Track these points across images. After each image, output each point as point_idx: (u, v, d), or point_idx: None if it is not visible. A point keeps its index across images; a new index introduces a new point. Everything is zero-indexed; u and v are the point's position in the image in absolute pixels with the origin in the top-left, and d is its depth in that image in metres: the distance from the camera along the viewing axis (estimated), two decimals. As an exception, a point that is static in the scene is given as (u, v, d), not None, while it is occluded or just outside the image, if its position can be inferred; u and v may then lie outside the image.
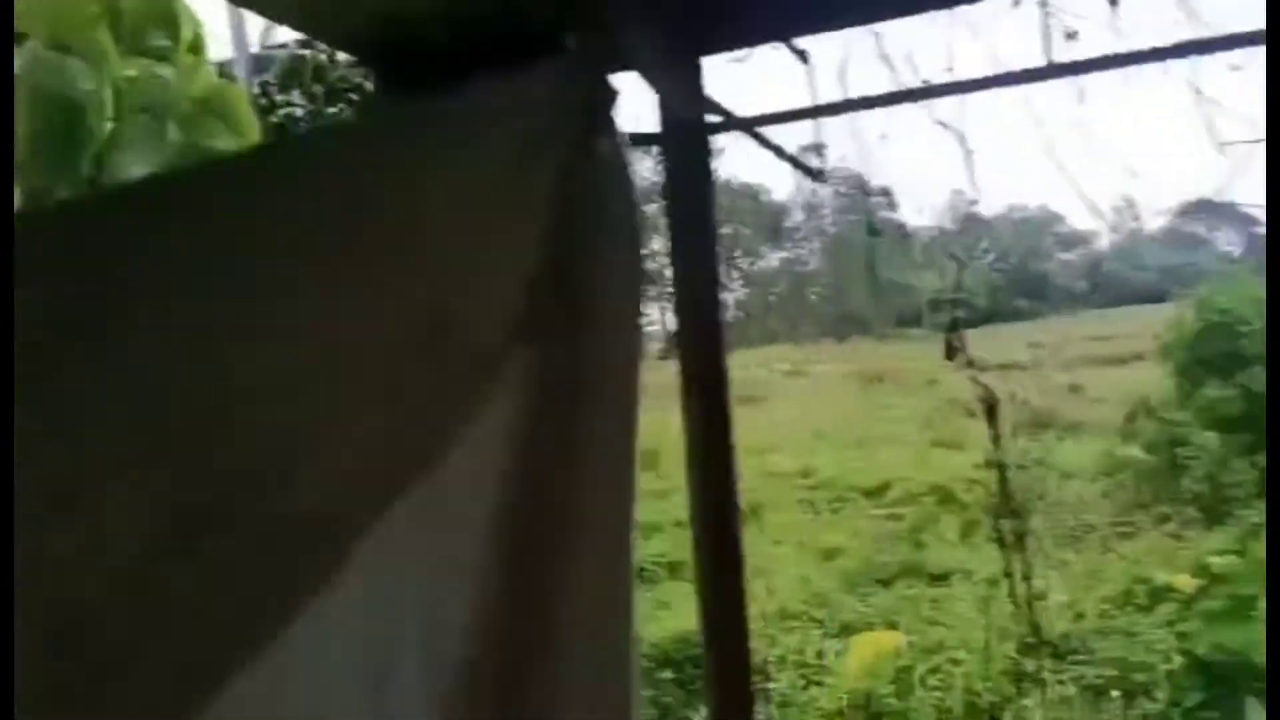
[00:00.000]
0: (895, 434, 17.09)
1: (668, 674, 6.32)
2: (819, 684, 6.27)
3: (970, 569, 8.08)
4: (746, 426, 13.19)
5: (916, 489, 10.96)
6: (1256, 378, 8.73)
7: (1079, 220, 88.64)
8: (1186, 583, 6.53)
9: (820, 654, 6.68)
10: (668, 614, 7.42)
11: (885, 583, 7.96)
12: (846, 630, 7.08)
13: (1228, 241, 78.02)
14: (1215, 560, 6.20)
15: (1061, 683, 5.84)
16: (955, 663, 6.17)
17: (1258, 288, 9.63)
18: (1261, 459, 8.47)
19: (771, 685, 6.21)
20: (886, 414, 20.16)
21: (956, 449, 14.61)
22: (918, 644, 6.56)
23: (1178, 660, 5.65)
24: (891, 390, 27.73)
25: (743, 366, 40.38)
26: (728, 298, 74.07)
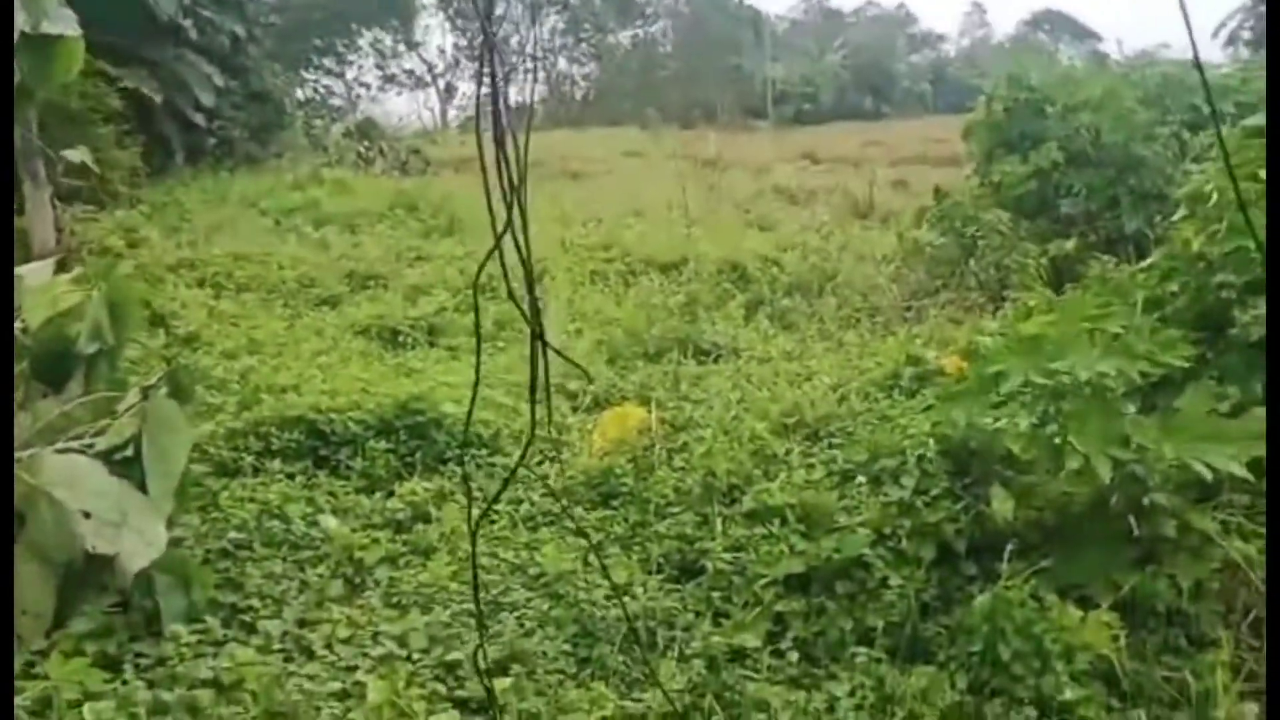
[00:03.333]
0: (713, 215, 16.54)
1: (381, 444, 5.58)
2: (554, 459, 5.66)
3: (745, 346, 7.57)
4: (565, 201, 12.31)
5: (714, 266, 10.38)
6: (1051, 156, 8.27)
7: (931, 22, 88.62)
8: (955, 365, 6.14)
9: (564, 428, 6.06)
10: (406, 380, 6.66)
11: (653, 357, 7.35)
12: (599, 405, 6.48)
13: (1067, 55, 79.76)
14: (985, 342, 5.78)
15: (810, 466, 5.38)
16: (701, 442, 5.64)
17: (1072, 72, 9.09)
18: (1050, 246, 8.14)
19: (498, 459, 5.55)
20: (710, 197, 19.61)
21: (769, 231, 14.17)
22: (670, 420, 6.01)
23: (932, 445, 5.25)
24: (723, 175, 27.23)
25: (583, 144, 39.33)
26: (575, 73, 71.34)
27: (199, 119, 21.86)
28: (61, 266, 11.65)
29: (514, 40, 68.57)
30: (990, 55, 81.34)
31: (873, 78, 74.38)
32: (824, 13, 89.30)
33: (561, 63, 70.06)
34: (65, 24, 3.27)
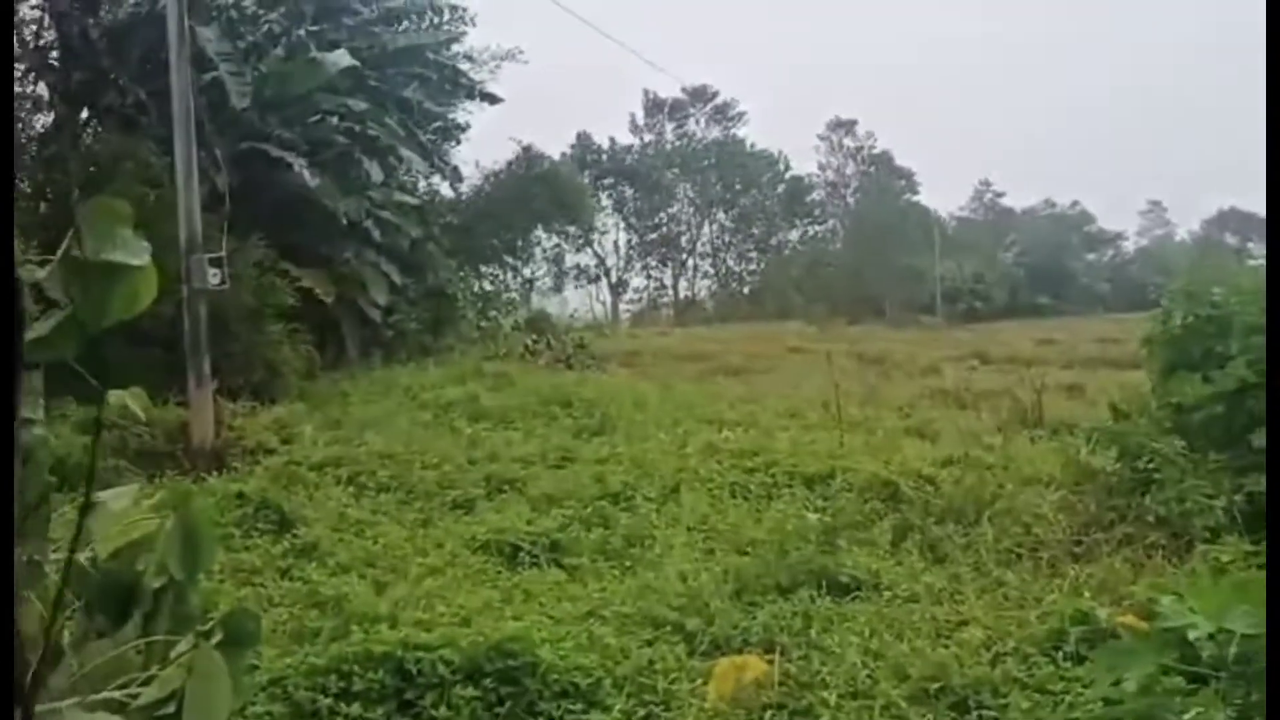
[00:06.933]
0: (871, 419, 15.88)
1: (469, 690, 5.07)
2: (660, 719, 5.02)
3: (889, 582, 6.80)
4: (722, 399, 11.91)
5: (864, 482, 9.68)
6: (1240, 374, 7.33)
7: (1109, 221, 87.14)
8: (1133, 625, 5.26)
9: (674, 679, 5.42)
10: (509, 610, 6.20)
11: (785, 591, 6.68)
12: (718, 649, 5.83)
13: (1259, 253, 76.37)
14: (1166, 602, 4.91)
15: (953, 748, 4.58)
16: (828, 707, 4.91)
17: (1258, 280, 8.22)
18: (1246, 481, 7.13)
19: (594, 715, 4.95)
20: (871, 398, 18.97)
21: (929, 440, 13.38)
22: (794, 675, 5.31)
23: (1102, 733, 4.39)
24: (887, 375, 26.52)
25: (749, 339, 39.43)
26: (743, 269, 72.68)
27: (374, 314, 22.80)
28: (219, 462, 11.95)
29: (684, 239, 70.82)
30: (1172, 253, 78.68)
31: (1047, 275, 72.96)
32: (997, 211, 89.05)
33: (729, 260, 71.59)
34: (134, 253, 2.98)
